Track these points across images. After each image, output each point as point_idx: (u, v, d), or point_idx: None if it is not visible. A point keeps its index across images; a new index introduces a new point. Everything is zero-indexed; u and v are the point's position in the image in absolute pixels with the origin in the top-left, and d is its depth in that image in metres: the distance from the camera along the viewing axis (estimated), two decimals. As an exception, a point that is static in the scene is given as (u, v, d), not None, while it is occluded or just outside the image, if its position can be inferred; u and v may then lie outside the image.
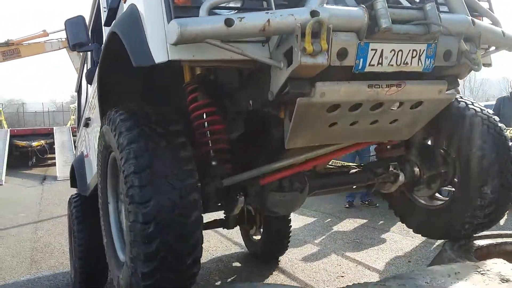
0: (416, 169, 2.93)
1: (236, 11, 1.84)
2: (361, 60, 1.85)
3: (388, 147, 2.92)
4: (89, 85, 4.11)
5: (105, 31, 3.09)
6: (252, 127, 2.51)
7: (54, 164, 15.89)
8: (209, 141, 2.32)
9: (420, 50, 1.95)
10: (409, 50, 1.93)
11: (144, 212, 1.84)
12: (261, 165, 2.50)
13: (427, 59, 1.97)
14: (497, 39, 2.18)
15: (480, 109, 2.78)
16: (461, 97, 2.82)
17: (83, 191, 4.39)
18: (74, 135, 17.56)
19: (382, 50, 1.87)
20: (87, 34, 3.22)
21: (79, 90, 5.75)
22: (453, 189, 2.99)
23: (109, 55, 2.40)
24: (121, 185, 2.22)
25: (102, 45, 2.46)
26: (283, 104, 2.10)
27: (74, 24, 3.21)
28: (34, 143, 16.93)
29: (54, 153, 16.70)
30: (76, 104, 6.02)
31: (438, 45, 1.98)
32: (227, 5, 1.83)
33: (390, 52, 1.89)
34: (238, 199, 2.43)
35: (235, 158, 2.45)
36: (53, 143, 17.22)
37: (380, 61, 1.88)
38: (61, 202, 10.36)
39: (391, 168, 2.86)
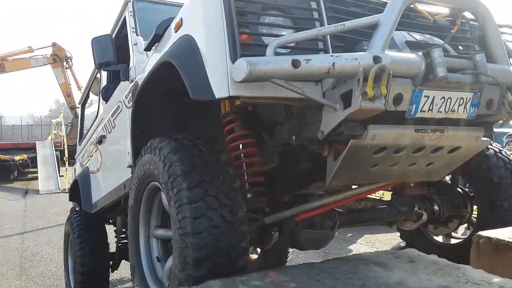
0: (436, 208, 2.93)
1: (289, 49, 1.90)
2: (414, 106, 1.89)
3: (411, 184, 2.93)
4: (102, 102, 4.10)
5: (134, 50, 3.19)
6: (286, 160, 2.50)
7: (35, 178, 16.05)
8: (245, 174, 2.29)
9: (466, 98, 2.00)
10: (457, 98, 1.97)
11: (196, 242, 1.86)
12: (298, 202, 2.53)
13: (471, 107, 2.02)
14: None
15: (507, 156, 2.88)
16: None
17: (88, 208, 4.42)
18: (56, 150, 17.77)
19: (434, 97, 1.91)
20: (114, 53, 3.16)
21: (83, 103, 5.78)
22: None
23: (154, 81, 2.44)
24: (155, 218, 2.48)
25: (149, 72, 2.50)
26: (328, 143, 2.08)
27: (101, 43, 3.17)
28: (17, 157, 17.07)
29: (35, 167, 16.85)
30: (79, 120, 6.05)
31: (483, 95, 2.03)
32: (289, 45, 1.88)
33: (441, 99, 1.93)
34: (273, 234, 2.41)
35: (268, 191, 2.42)
36: (35, 157, 17.35)
37: (430, 108, 1.93)
38: (44, 214, 10.67)
39: (415, 208, 2.86)
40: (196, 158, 2.05)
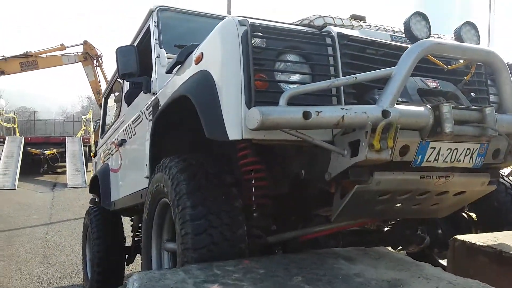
0: (440, 232, 2.98)
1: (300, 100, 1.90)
2: (420, 156, 1.92)
3: None
4: (124, 104, 4.21)
5: (156, 63, 3.23)
6: (296, 189, 2.53)
7: (64, 172, 16.61)
8: (253, 196, 2.33)
9: (473, 149, 2.02)
10: (464, 149, 2.00)
11: (196, 257, 1.98)
12: (304, 225, 2.59)
13: (478, 157, 2.05)
14: None
15: (509, 182, 2.90)
16: None
17: (106, 205, 4.58)
18: (84, 146, 18.33)
19: (440, 148, 1.94)
20: (138, 65, 3.22)
21: (106, 97, 5.90)
22: None
23: (169, 113, 2.60)
24: (167, 232, 2.60)
25: (164, 102, 2.66)
26: (335, 182, 2.11)
27: (125, 53, 3.24)
28: (47, 152, 17.67)
29: (64, 161, 17.40)
30: (101, 113, 6.22)
31: (490, 145, 2.06)
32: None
33: (447, 150, 1.96)
34: (277, 253, 2.49)
35: (276, 214, 2.50)
36: (64, 152, 17.92)
37: (436, 158, 1.96)
38: (70, 207, 11.13)
39: (418, 231, 2.92)
40: (202, 178, 2.17)
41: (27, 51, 18.70)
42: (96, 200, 5.41)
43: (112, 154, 4.67)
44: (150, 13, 3.44)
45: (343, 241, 2.70)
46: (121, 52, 3.24)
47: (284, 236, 2.46)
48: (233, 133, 1.88)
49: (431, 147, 1.92)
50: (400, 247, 3.14)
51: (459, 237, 2.60)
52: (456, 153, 1.99)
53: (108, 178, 4.68)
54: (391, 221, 3.02)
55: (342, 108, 1.80)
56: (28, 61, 18.69)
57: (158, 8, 3.40)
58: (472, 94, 2.26)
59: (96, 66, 19.36)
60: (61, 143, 18.57)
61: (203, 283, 1.74)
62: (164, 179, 2.36)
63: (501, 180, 2.85)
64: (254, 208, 2.32)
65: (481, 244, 2.42)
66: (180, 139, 2.87)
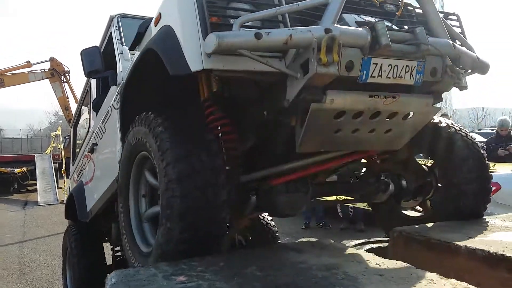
0: (404, 182, 3.20)
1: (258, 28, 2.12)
2: (365, 72, 2.13)
3: (378, 162, 3.26)
4: (93, 114, 4.34)
5: (120, 58, 3.47)
6: (262, 138, 2.76)
7: (35, 190, 16.57)
8: (223, 149, 2.46)
9: (412, 66, 2.25)
10: (403, 66, 2.22)
11: (180, 196, 2.09)
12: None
13: (417, 74, 2.27)
14: (473, 62, 2.52)
15: (460, 128, 3.13)
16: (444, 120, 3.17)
17: (83, 218, 4.61)
18: (54, 162, 18.28)
19: (382, 64, 2.16)
20: (102, 63, 3.47)
21: (74, 125, 6.10)
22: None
23: (139, 71, 2.70)
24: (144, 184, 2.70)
25: (133, 63, 2.77)
26: (295, 113, 2.31)
27: (89, 54, 3.48)
28: (16, 170, 17.59)
29: (35, 179, 17.35)
30: (71, 141, 6.35)
31: (426, 63, 2.28)
32: (253, 24, 2.15)
33: (388, 66, 2.18)
34: (251, 197, 2.66)
35: (248, 165, 2.69)
36: (34, 170, 17.86)
37: (380, 74, 2.17)
38: (43, 224, 11.19)
39: (382, 177, 3.17)
40: (183, 130, 2.30)
41: (-8, 70, 18.54)
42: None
43: (85, 168, 4.79)
44: (111, 20, 3.81)
45: (313, 190, 2.84)
46: (85, 53, 3.49)
47: (256, 175, 2.67)
48: (194, 64, 2.08)
49: (373, 63, 2.14)
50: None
51: (397, 228, 2.97)
52: (397, 69, 2.21)
53: (83, 192, 4.73)
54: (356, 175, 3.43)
55: (289, 29, 2.06)
56: (-6, 80, 18.53)
57: (118, 15, 3.81)
58: (405, 27, 2.43)
59: (64, 82, 19.31)
60: (30, 161, 18.52)
61: (171, 276, 2.04)
62: (144, 132, 2.41)
63: (464, 137, 3.06)
64: (226, 161, 2.45)
65: (415, 233, 2.80)
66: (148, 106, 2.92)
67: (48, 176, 17.31)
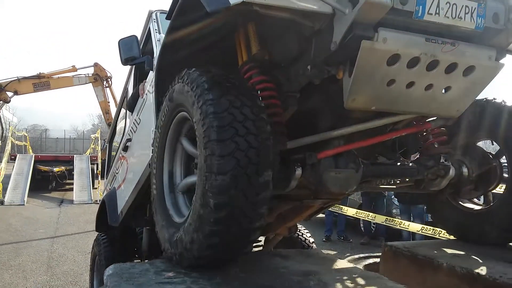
0: (465, 170, 2.89)
1: None
2: (421, 7, 1.94)
3: (435, 144, 2.89)
4: (129, 114, 4.37)
5: (157, 44, 3.50)
6: (307, 103, 2.53)
7: (71, 189, 17.24)
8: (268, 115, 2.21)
9: (472, 7, 2.05)
10: (462, 5, 2.03)
11: (220, 166, 1.89)
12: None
13: (478, 17, 2.07)
14: None
15: None
16: None
17: (114, 222, 4.47)
18: (92, 164, 18.98)
19: (439, 0, 1.97)
20: (139, 49, 3.52)
21: (110, 140, 6.11)
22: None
23: (176, 27, 2.49)
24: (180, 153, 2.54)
25: (172, 16, 2.49)
26: (342, 62, 2.12)
27: (127, 42, 3.55)
28: (55, 169, 18.35)
29: (72, 179, 18.06)
30: (106, 155, 6.28)
31: (487, 7, 2.09)
32: None
33: (446, 4, 1.99)
34: (296, 169, 2.40)
35: (293, 134, 2.47)
36: (72, 169, 18.59)
37: (437, 11, 1.97)
38: (75, 222, 11.68)
39: (442, 160, 2.80)
40: (227, 88, 2.09)
41: (39, 73, 19.42)
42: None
43: (118, 172, 4.78)
44: (150, 14, 3.93)
45: (365, 170, 2.54)
46: (123, 42, 3.56)
47: (303, 142, 2.48)
48: None
49: None
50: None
51: (389, 243, 3.09)
52: (456, 8, 2.02)
53: (115, 196, 4.65)
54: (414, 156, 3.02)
55: None
56: (41, 82, 19.38)
57: (156, 10, 3.93)
58: None
59: (106, 87, 20.04)
60: (69, 161, 19.24)
61: (162, 271, 2.24)
62: (185, 90, 2.23)
63: None
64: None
65: (403, 248, 2.91)
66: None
67: (84, 176, 17.97)
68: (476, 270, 2.38)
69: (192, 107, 2.14)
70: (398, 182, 3.01)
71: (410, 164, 2.88)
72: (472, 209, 3.10)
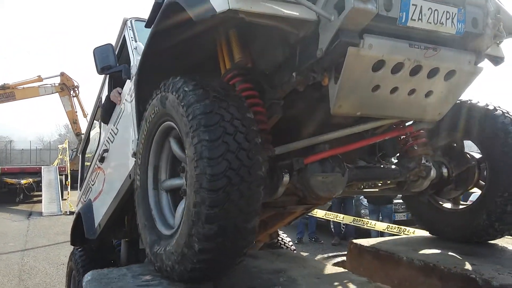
0: (445, 170, 2.95)
1: None
2: (404, 13, 1.98)
3: (415, 147, 2.89)
4: (103, 126, 4.29)
5: (134, 53, 3.43)
6: (291, 111, 2.55)
7: (40, 201, 16.94)
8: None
9: (452, 12, 2.10)
10: (443, 11, 2.08)
11: (213, 172, 1.86)
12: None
13: (458, 23, 2.13)
14: (510, 22, 2.34)
15: None
16: (498, 107, 2.91)
17: (91, 235, 4.34)
18: (60, 174, 18.69)
19: (422, 6, 2.02)
20: (115, 59, 3.45)
21: (83, 151, 5.94)
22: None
23: (158, 35, 2.47)
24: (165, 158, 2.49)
25: (153, 25, 2.47)
26: (328, 68, 2.14)
27: (102, 51, 3.48)
28: (23, 181, 18.00)
29: (40, 190, 17.74)
30: (79, 167, 6.07)
31: (467, 12, 2.14)
32: None
33: (428, 9, 2.04)
34: (284, 175, 2.42)
35: (279, 141, 2.48)
36: (40, 181, 18.27)
37: (420, 17, 2.02)
38: (45, 234, 11.52)
39: (423, 161, 2.84)
40: (212, 92, 2.07)
41: (4, 83, 19.05)
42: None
43: (93, 184, 4.65)
44: (125, 22, 3.87)
45: (350, 174, 2.59)
46: (98, 51, 3.48)
47: (291, 147, 2.49)
48: (220, 4, 1.89)
49: (413, 4, 2.01)
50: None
51: (354, 241, 3.27)
52: (437, 14, 2.07)
53: (91, 208, 4.51)
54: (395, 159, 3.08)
55: None
56: (5, 93, 19.00)
57: (131, 18, 3.86)
58: None
59: (73, 96, 19.82)
60: (37, 172, 18.90)
61: (139, 275, 2.35)
62: (171, 100, 2.20)
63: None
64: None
65: (367, 245, 3.10)
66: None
67: (53, 187, 17.70)
68: (432, 262, 2.57)
69: (179, 118, 2.12)
70: (380, 184, 3.13)
71: (393, 166, 2.94)
72: (451, 208, 3.18)
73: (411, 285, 2.68)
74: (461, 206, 3.17)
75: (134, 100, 2.98)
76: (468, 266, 2.49)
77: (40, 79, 19.56)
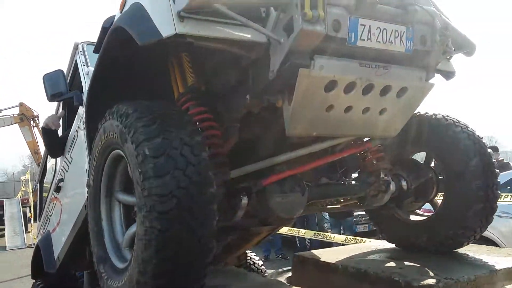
0: (404, 183, 2.99)
1: None
2: (353, 33, 2.01)
3: (374, 162, 2.94)
4: (58, 161, 4.24)
5: (85, 78, 3.37)
6: (247, 133, 2.56)
7: (3, 235, 16.53)
8: (207, 147, 2.15)
9: (401, 31, 2.14)
10: (392, 30, 2.11)
11: (161, 192, 1.81)
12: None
13: (407, 41, 2.17)
14: (459, 37, 2.45)
15: (472, 132, 2.90)
16: (454, 119, 2.97)
17: (51, 268, 4.26)
18: (23, 206, 18.31)
19: (370, 26, 2.04)
20: (67, 85, 3.39)
21: (40, 180, 5.80)
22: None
23: (106, 60, 2.47)
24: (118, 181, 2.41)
25: (101, 50, 2.47)
26: (281, 91, 2.15)
27: (52, 77, 3.42)
28: (-16, 215, 17.58)
29: (3, 224, 17.33)
30: (37, 197, 6.06)
31: (415, 30, 2.18)
32: None
33: (376, 29, 2.07)
34: (242, 199, 2.41)
35: (236, 163, 2.46)
36: (3, 214, 17.86)
37: (369, 37, 2.05)
38: (10, 268, 11.26)
39: (382, 175, 2.88)
40: (159, 115, 2.04)
41: (-40, 116, 18.67)
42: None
43: (51, 215, 4.60)
44: (76, 47, 3.81)
45: (310, 193, 2.60)
46: (47, 77, 3.45)
47: (247, 169, 2.47)
48: (166, 29, 1.89)
49: (361, 24, 2.03)
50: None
51: (297, 253, 3.46)
52: (386, 33, 2.10)
53: (50, 240, 4.42)
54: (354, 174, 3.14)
55: None
56: (-38, 126, 18.65)
57: (83, 42, 3.81)
58: None
59: (33, 126, 19.50)
60: (-1, 206, 18.48)
61: None
62: (114, 126, 2.15)
63: (471, 135, 2.87)
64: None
65: (309, 256, 3.29)
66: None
67: (16, 220, 17.32)
68: (364, 268, 2.78)
69: (124, 146, 2.06)
70: (342, 201, 3.15)
71: (353, 182, 3.01)
72: (413, 220, 3.26)
73: (347, 291, 2.88)
74: (420, 218, 3.26)
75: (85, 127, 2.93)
76: (395, 270, 2.72)
77: (-3, 110, 19.22)
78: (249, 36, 2.01)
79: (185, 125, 2.03)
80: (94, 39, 3.14)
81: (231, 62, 2.31)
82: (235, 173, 2.41)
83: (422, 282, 2.42)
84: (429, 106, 3.02)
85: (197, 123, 2.30)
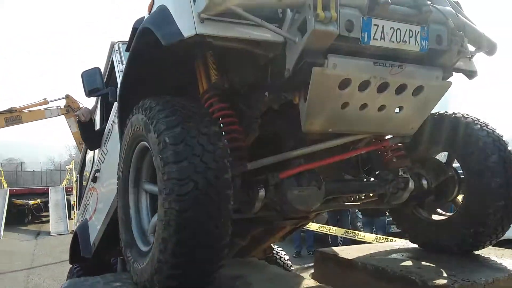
0: (424, 182, 2.97)
1: None
2: (366, 33, 2.03)
3: (394, 159, 2.94)
4: (96, 153, 4.44)
5: (120, 75, 3.49)
6: (267, 127, 2.63)
7: (47, 221, 17.30)
8: (227, 140, 2.32)
9: (415, 31, 2.15)
10: (406, 30, 2.12)
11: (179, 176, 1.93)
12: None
13: (422, 40, 2.17)
14: (478, 37, 2.40)
15: (492, 130, 2.86)
16: (475, 118, 2.94)
17: (87, 253, 4.44)
18: (67, 194, 19.05)
19: (383, 26, 2.06)
20: (103, 81, 3.61)
21: (80, 173, 6.17)
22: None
23: (136, 59, 2.58)
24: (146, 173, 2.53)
25: (130, 50, 2.61)
26: (297, 88, 2.21)
27: (90, 74, 3.65)
28: (31, 202, 18.40)
29: (48, 211, 18.11)
30: (77, 190, 6.53)
31: (430, 29, 2.18)
32: None
33: (390, 29, 2.09)
34: (259, 190, 2.46)
35: (255, 157, 2.53)
36: (48, 201, 18.65)
37: (382, 36, 2.07)
38: (51, 253, 11.82)
39: (400, 173, 2.86)
40: (182, 116, 2.12)
41: (11, 107, 19.51)
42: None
43: (88, 204, 4.78)
44: (112, 46, 4.01)
45: (327, 188, 2.61)
46: (86, 74, 3.67)
47: (264, 162, 2.53)
48: (187, 29, 2.00)
49: (374, 24, 2.06)
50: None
51: (320, 249, 3.50)
52: (400, 33, 2.11)
53: (87, 227, 4.63)
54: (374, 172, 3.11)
55: None
56: (12, 116, 19.42)
57: (119, 41, 3.98)
58: None
59: (78, 117, 20.21)
60: (44, 193, 19.28)
61: (110, 282, 2.60)
62: (140, 119, 2.29)
63: (490, 134, 2.84)
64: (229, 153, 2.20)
65: (330, 253, 3.33)
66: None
67: (60, 207, 18.06)
68: (382, 266, 2.79)
69: (148, 136, 2.18)
70: (363, 198, 3.20)
71: (371, 179, 2.99)
72: (435, 219, 3.19)
73: (365, 287, 2.90)
74: (441, 217, 3.18)
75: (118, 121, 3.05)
76: (413, 269, 2.71)
77: (46, 102, 19.95)
78: (266, 35, 2.08)
79: (203, 116, 2.15)
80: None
81: (250, 60, 2.37)
82: (252, 166, 2.47)
83: (438, 282, 2.41)
84: (457, 105, 2.95)
85: (220, 118, 2.42)
